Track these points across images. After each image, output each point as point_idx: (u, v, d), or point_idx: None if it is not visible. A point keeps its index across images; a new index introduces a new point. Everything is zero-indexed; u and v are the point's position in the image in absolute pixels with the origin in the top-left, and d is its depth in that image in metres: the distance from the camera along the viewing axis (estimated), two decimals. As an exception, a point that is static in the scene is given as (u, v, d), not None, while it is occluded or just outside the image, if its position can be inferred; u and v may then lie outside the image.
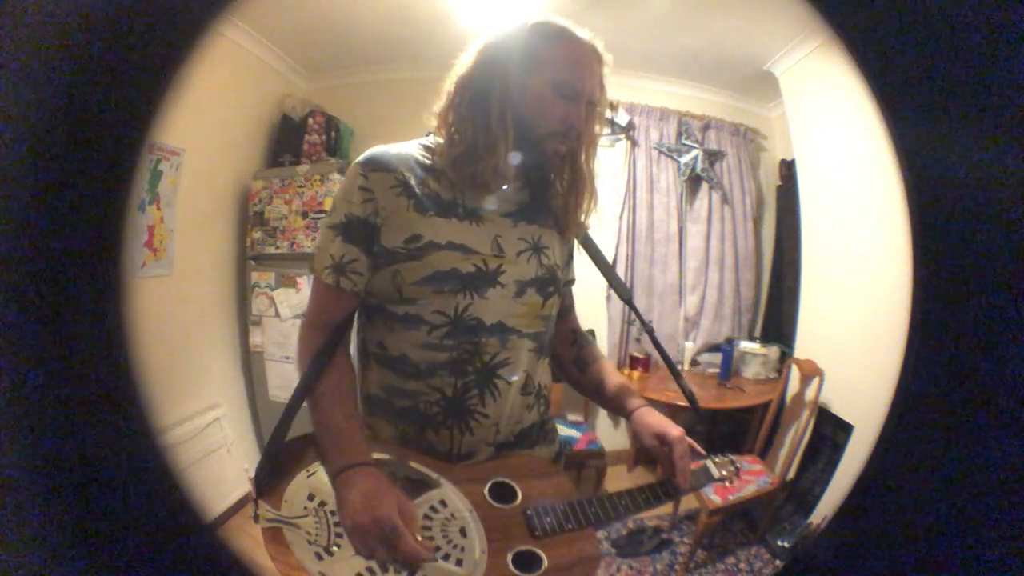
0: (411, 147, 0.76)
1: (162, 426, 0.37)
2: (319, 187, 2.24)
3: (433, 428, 0.73)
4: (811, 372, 2.03)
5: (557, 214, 0.80)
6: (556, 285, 0.79)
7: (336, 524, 0.64)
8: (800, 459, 2.06)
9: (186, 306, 2.13)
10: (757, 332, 2.85)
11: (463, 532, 0.66)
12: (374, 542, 0.61)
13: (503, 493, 0.71)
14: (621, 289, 0.94)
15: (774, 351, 2.52)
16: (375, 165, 0.71)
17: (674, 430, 0.77)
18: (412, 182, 0.71)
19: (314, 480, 0.69)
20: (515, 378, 0.74)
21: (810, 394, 2.03)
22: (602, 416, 2.71)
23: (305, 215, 2.25)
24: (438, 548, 0.64)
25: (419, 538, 0.63)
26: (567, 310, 0.90)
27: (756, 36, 2.23)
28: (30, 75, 0.32)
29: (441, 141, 0.75)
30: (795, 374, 2.12)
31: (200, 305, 2.24)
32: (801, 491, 2.05)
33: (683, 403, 1.97)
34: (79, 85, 0.33)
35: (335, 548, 0.62)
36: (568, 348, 0.91)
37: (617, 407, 0.86)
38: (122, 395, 0.35)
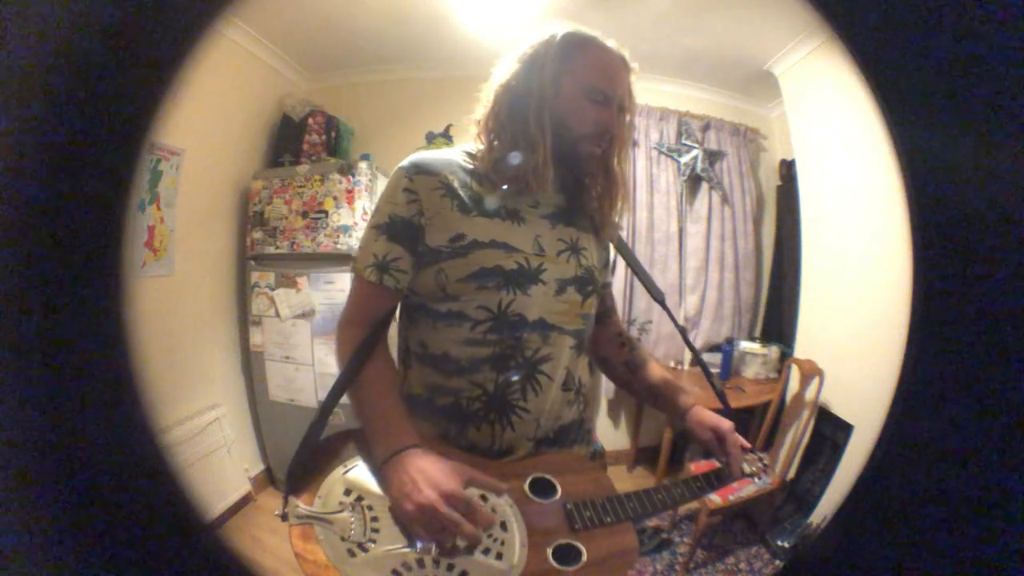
0: (454, 152, 0.79)
1: (162, 426, 0.37)
2: (319, 187, 2.24)
3: (475, 424, 0.74)
4: (811, 372, 2.03)
5: (593, 216, 0.83)
6: (595, 285, 0.82)
7: (374, 519, 0.64)
8: (800, 459, 2.06)
9: (186, 306, 2.13)
10: (757, 332, 2.85)
11: (504, 526, 0.66)
12: (440, 521, 0.60)
13: (543, 488, 0.72)
14: (654, 290, 0.97)
15: (774, 351, 2.52)
16: (419, 168, 0.74)
17: (726, 423, 0.83)
18: (455, 184, 0.74)
19: (351, 476, 0.68)
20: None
21: (810, 394, 2.03)
22: (602, 416, 2.71)
23: (305, 215, 2.25)
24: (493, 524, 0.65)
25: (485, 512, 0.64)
26: (610, 312, 0.93)
27: (756, 36, 2.23)
28: (30, 75, 0.32)
29: (482, 146, 0.78)
30: (795, 374, 2.12)
31: (200, 305, 2.24)
32: (801, 491, 2.05)
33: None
34: (79, 85, 0.33)
35: (371, 544, 0.62)
36: (617, 350, 0.94)
37: (670, 406, 0.89)
38: (122, 395, 0.35)
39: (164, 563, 0.36)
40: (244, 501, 2.19)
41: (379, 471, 0.67)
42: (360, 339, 0.73)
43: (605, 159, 0.79)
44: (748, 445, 0.86)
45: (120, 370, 0.34)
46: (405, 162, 0.76)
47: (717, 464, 0.85)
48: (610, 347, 0.93)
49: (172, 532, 0.37)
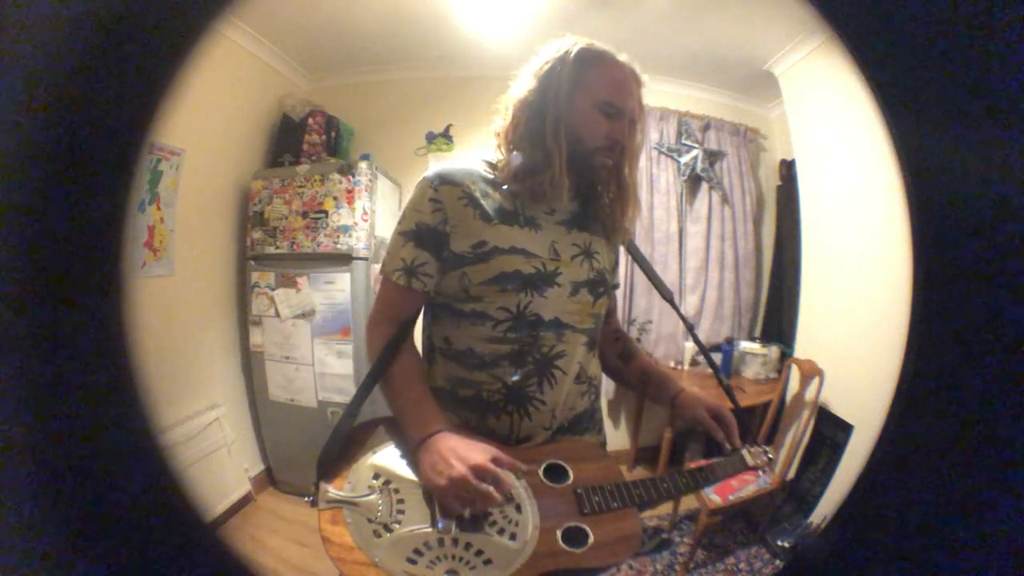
0: (475, 163, 0.84)
1: (162, 426, 0.37)
2: (319, 187, 2.24)
3: (495, 414, 0.79)
4: (811, 372, 2.03)
5: (605, 222, 0.88)
6: (606, 286, 0.87)
7: (399, 501, 0.69)
8: (800, 459, 2.06)
9: (186, 306, 2.13)
10: (757, 332, 2.85)
11: (518, 508, 0.70)
12: (471, 491, 0.66)
13: (556, 474, 0.76)
14: (663, 289, 1.01)
15: (774, 351, 2.52)
16: (443, 179, 0.79)
17: (717, 402, 0.87)
18: (477, 194, 0.79)
19: (379, 461, 0.74)
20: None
21: (810, 394, 2.03)
22: (602, 416, 2.71)
23: (305, 215, 2.25)
24: (509, 499, 0.70)
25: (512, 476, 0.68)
26: (610, 312, 0.97)
27: (756, 36, 2.23)
28: (30, 75, 0.32)
29: (502, 158, 0.83)
30: (795, 374, 2.12)
31: (200, 305, 2.24)
32: (801, 491, 2.05)
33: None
34: (79, 85, 0.33)
35: (395, 525, 0.66)
36: (612, 345, 0.99)
37: (661, 392, 0.94)
38: (122, 395, 0.35)
39: (164, 563, 0.36)
40: (244, 501, 2.19)
41: (412, 454, 0.72)
42: (389, 337, 0.79)
43: (617, 169, 0.83)
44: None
45: (120, 370, 0.34)
46: (430, 173, 0.80)
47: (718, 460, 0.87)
48: (606, 342, 0.97)
49: (172, 532, 0.37)
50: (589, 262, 0.83)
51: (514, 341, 0.77)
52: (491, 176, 0.82)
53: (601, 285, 0.85)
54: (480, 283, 0.76)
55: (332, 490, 0.69)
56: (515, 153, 0.80)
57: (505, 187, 0.80)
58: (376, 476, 0.72)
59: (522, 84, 0.81)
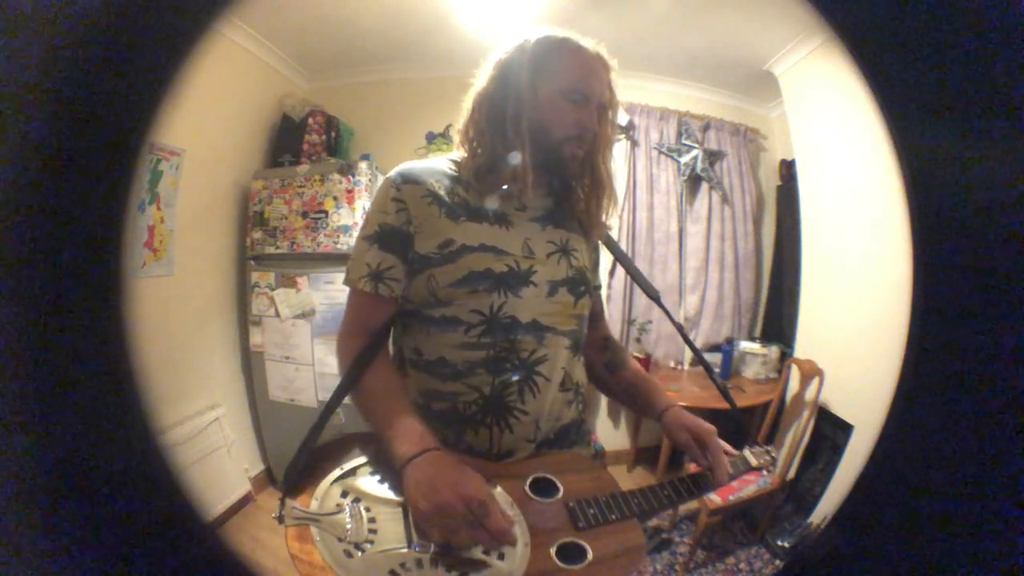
0: (439, 162, 0.80)
1: (162, 426, 0.37)
2: (319, 187, 2.24)
3: (472, 428, 0.74)
4: (811, 372, 2.02)
5: (581, 217, 0.83)
6: (587, 286, 0.82)
7: (371, 520, 0.64)
8: (800, 459, 2.06)
9: (186, 306, 2.13)
10: (757, 332, 2.85)
11: None
12: (457, 522, 0.60)
13: (544, 488, 0.72)
14: (647, 287, 0.97)
15: (774, 351, 2.52)
16: (405, 178, 0.75)
17: (706, 426, 0.81)
18: (442, 192, 0.75)
19: (348, 478, 0.69)
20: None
21: (810, 394, 2.03)
22: (602, 417, 2.71)
23: (305, 215, 2.25)
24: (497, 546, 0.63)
25: (503, 515, 0.62)
26: (597, 316, 0.92)
27: (756, 36, 2.23)
28: (30, 75, 0.32)
29: (465, 154, 0.79)
30: (795, 374, 2.12)
31: (200, 305, 2.24)
32: (801, 491, 2.05)
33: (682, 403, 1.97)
34: (79, 85, 0.33)
35: (368, 545, 0.62)
36: (599, 353, 0.94)
37: (647, 408, 0.88)
38: (122, 395, 0.35)
39: (164, 563, 0.36)
40: (244, 501, 2.19)
41: (398, 471, 0.66)
42: (359, 348, 0.73)
43: (590, 160, 0.78)
44: (735, 452, 0.84)
45: (120, 370, 0.34)
46: (392, 173, 0.77)
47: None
48: (593, 349, 0.92)
49: (172, 532, 0.37)
50: (567, 260, 0.79)
51: (489, 346, 0.72)
52: (456, 174, 0.78)
53: (582, 284, 0.80)
54: (448, 285, 0.72)
55: (298, 506, 0.64)
56: (479, 149, 0.76)
57: (490, 193, 0.76)
58: (344, 493, 0.67)
59: (482, 76, 0.77)
